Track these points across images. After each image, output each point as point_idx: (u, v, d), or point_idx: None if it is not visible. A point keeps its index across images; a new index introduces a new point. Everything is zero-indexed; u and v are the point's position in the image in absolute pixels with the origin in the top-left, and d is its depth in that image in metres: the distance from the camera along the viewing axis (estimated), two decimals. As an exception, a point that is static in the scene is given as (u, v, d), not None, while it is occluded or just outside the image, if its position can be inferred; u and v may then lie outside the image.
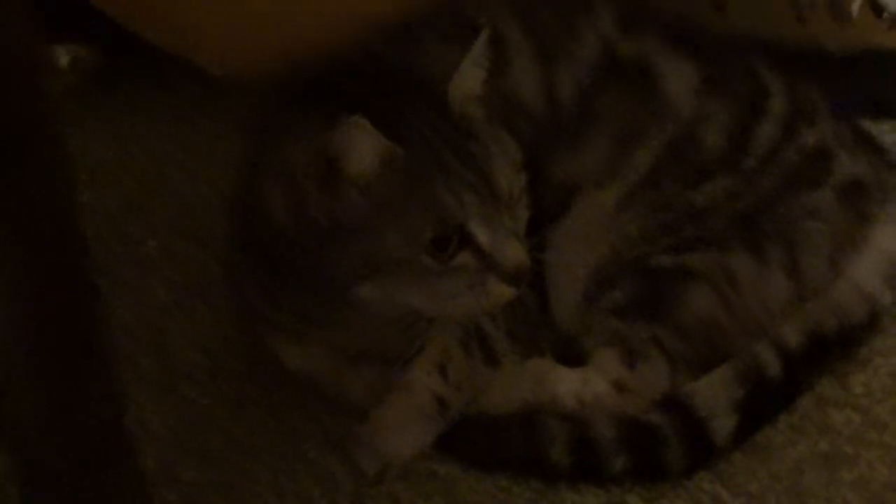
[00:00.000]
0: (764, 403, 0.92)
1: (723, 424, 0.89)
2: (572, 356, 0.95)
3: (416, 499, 0.87)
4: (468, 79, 0.86)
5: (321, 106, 0.85)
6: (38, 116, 0.55)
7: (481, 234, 0.82)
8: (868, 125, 1.13)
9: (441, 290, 0.83)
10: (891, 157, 1.08)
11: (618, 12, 1.04)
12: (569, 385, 0.93)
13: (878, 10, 1.24)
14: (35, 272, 0.56)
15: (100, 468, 0.61)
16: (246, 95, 0.96)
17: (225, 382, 0.97)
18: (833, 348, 0.97)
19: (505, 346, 0.95)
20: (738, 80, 1.03)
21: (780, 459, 0.89)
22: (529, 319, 0.97)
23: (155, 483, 0.77)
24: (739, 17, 1.28)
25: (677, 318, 0.96)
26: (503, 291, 0.83)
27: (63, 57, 1.38)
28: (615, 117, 1.01)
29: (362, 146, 0.79)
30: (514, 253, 0.83)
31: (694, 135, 1.00)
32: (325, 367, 0.94)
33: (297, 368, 0.94)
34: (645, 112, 1.00)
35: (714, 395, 0.90)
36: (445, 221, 0.81)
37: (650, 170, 0.99)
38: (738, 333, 0.96)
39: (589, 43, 1.02)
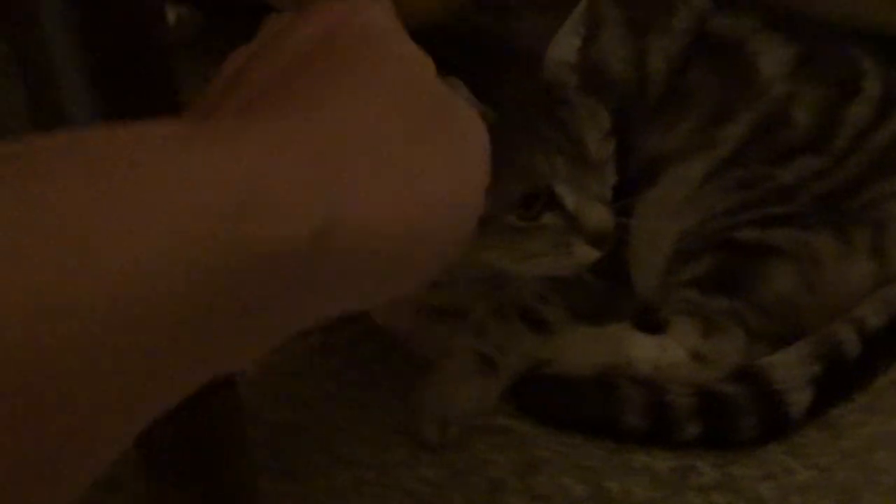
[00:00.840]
0: (840, 381, 0.93)
1: (798, 398, 0.90)
2: (651, 324, 0.97)
3: (491, 451, 0.89)
4: (563, 46, 0.88)
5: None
6: (158, 70, 0.58)
7: (568, 196, 0.84)
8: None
9: (525, 250, 0.85)
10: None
11: None
12: (646, 351, 0.95)
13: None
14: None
15: (203, 399, 0.64)
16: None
17: (311, 333, 1.00)
18: None
19: (559, 315, 0.97)
20: (833, 62, 1.04)
21: (852, 437, 0.90)
22: (592, 290, 1.00)
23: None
24: (834, 2, 1.27)
25: (758, 294, 0.97)
26: (587, 253, 0.85)
27: (169, 14, 1.42)
28: (706, 92, 1.02)
29: None
30: (599, 216, 0.85)
31: (784, 113, 1.01)
32: (408, 322, 0.97)
33: (383, 321, 0.97)
34: (736, 89, 1.02)
35: (791, 369, 0.91)
36: (534, 182, 0.84)
37: (738, 146, 1.00)
38: (817, 313, 0.97)
39: (682, 15, 1.04)
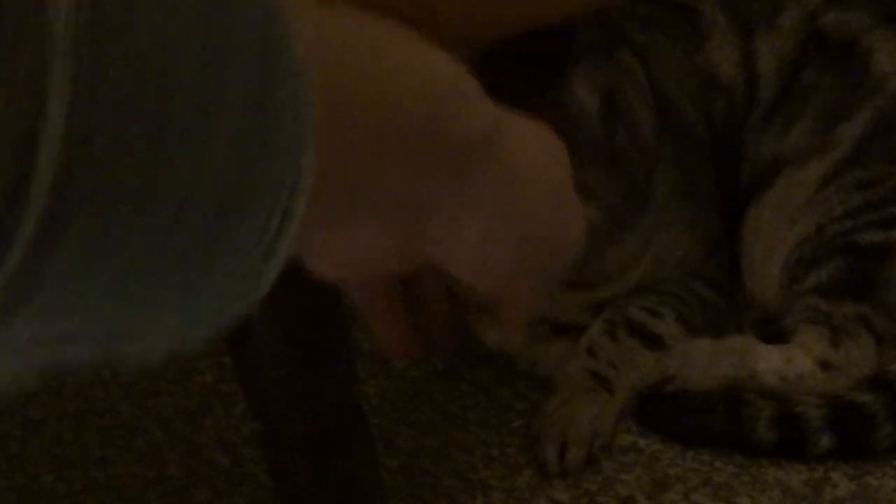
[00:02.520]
0: None
1: None
2: (773, 334, 0.96)
3: (619, 471, 0.90)
4: None
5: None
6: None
7: None
8: None
9: None
10: None
11: None
12: (771, 362, 0.93)
13: None
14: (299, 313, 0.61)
15: (339, 434, 0.66)
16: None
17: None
18: None
19: (672, 330, 0.96)
20: None
21: None
22: (705, 302, 0.99)
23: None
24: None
25: (886, 297, 0.95)
26: None
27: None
28: (819, 93, 1.00)
29: None
30: None
31: None
32: (520, 343, 0.98)
33: (494, 345, 0.98)
34: (850, 88, 1.00)
35: None
36: None
37: (856, 146, 0.98)
38: None
39: (790, 14, 1.02)
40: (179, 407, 0.95)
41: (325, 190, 0.30)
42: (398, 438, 0.93)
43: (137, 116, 0.24)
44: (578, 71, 0.89)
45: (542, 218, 0.43)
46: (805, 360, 0.93)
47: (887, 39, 1.01)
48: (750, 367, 0.93)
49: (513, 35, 0.66)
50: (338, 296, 0.65)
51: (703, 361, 0.94)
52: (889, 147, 0.98)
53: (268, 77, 0.27)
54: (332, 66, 0.32)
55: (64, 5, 0.22)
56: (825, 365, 0.93)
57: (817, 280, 0.96)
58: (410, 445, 0.92)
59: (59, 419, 0.95)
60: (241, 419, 0.92)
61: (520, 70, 0.85)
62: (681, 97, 1.00)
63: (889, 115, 0.99)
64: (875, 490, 0.85)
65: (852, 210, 0.97)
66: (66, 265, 0.24)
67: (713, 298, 0.99)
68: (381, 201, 0.38)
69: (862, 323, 0.94)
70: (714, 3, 1.03)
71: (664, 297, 0.97)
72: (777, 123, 1.01)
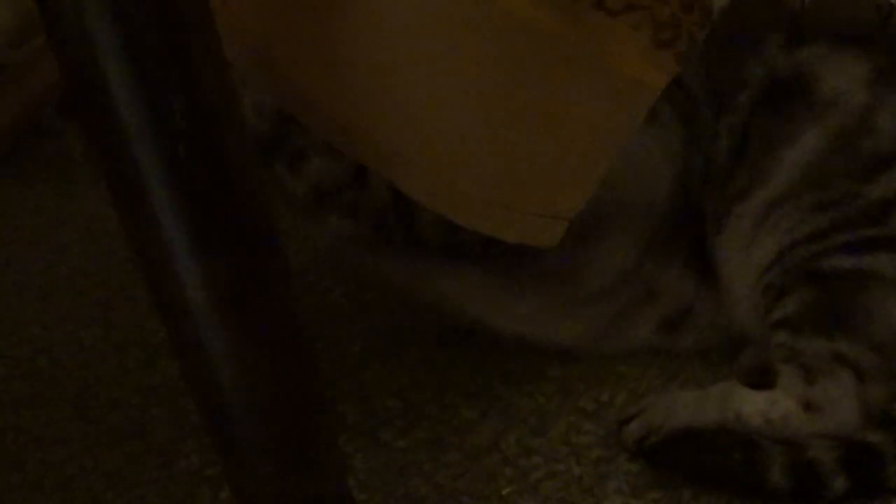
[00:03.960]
0: None
1: None
2: (764, 379, 0.94)
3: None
4: None
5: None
6: (248, 194, 0.59)
7: None
8: None
9: None
10: None
11: (787, 31, 1.03)
12: (755, 405, 0.91)
13: None
14: (261, 345, 0.60)
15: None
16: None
17: (420, 426, 1.00)
18: None
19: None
20: None
21: None
22: None
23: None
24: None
25: (867, 330, 0.92)
26: None
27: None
28: (763, 130, 0.99)
29: None
30: None
31: (865, 123, 0.96)
32: None
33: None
34: (794, 114, 0.98)
35: None
36: None
37: (808, 167, 0.96)
38: None
39: (752, 80, 1.02)
40: (166, 494, 0.94)
41: None
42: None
43: None
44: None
45: None
46: (788, 402, 0.91)
47: (841, 60, 0.99)
48: (734, 411, 0.91)
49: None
50: (323, 383, 0.65)
51: (688, 410, 0.93)
52: (850, 164, 0.95)
53: None
54: None
55: None
56: (807, 405, 0.91)
57: (783, 313, 0.94)
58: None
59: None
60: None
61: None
62: None
63: (847, 131, 0.96)
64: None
65: (816, 233, 0.94)
66: None
67: None
68: None
69: (837, 361, 0.91)
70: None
71: None
72: (727, 179, 1.01)
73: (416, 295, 1.04)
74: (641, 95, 0.77)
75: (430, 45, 0.69)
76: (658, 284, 1.04)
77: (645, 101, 0.78)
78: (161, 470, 0.96)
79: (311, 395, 0.62)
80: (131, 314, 1.21)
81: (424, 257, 0.97)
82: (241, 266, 0.54)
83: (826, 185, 0.95)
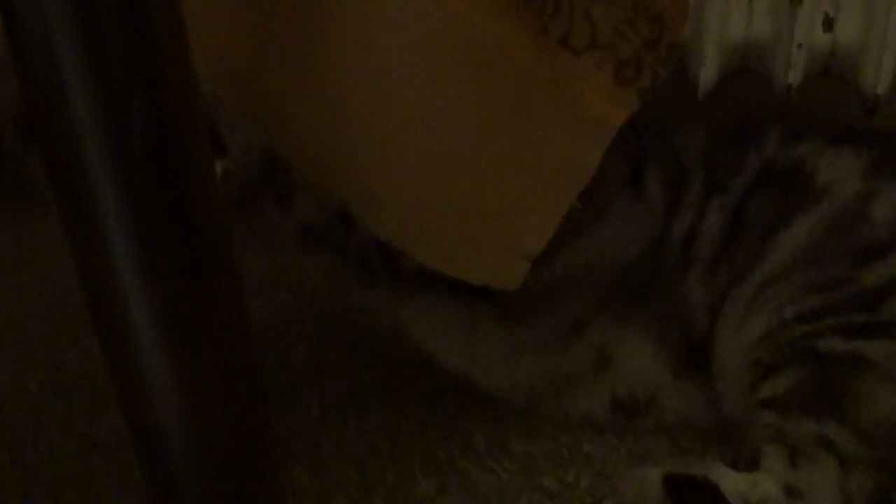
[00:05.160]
0: None
1: None
2: (745, 462, 0.90)
3: None
4: None
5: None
6: (206, 220, 0.56)
7: None
8: None
9: None
10: None
11: (784, 130, 1.05)
12: (735, 484, 0.87)
13: None
14: (209, 384, 0.56)
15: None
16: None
17: (375, 496, 0.96)
18: None
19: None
20: None
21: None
22: None
23: None
24: (890, 119, 1.26)
25: (854, 417, 0.88)
26: None
27: (217, 167, 1.42)
28: (759, 213, 1.00)
29: None
30: None
31: (859, 211, 0.97)
32: None
33: None
34: (791, 202, 0.99)
35: None
36: None
37: (801, 250, 0.96)
38: None
39: (748, 167, 1.02)
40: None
41: None
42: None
43: None
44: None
45: None
46: (770, 485, 0.87)
47: (835, 154, 1.01)
48: None
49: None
50: (271, 426, 0.61)
51: (661, 489, 0.89)
52: (845, 249, 0.95)
53: None
54: None
55: None
56: (789, 490, 0.87)
57: (773, 391, 0.91)
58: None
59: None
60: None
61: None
62: None
63: (841, 218, 0.96)
64: None
65: (808, 313, 0.93)
66: None
67: None
68: None
69: (823, 444, 0.88)
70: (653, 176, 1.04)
71: None
72: (723, 266, 1.00)
73: (401, 328, 1.03)
74: (603, 132, 0.77)
75: (405, 87, 0.70)
76: (612, 350, 1.01)
77: (606, 138, 0.78)
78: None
79: (259, 438, 0.58)
80: (81, 361, 1.16)
81: (405, 292, 0.97)
82: (192, 294, 0.50)
83: (820, 266, 0.95)
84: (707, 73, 1.10)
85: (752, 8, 1.11)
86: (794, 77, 1.10)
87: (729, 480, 0.87)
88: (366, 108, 0.70)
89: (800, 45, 1.09)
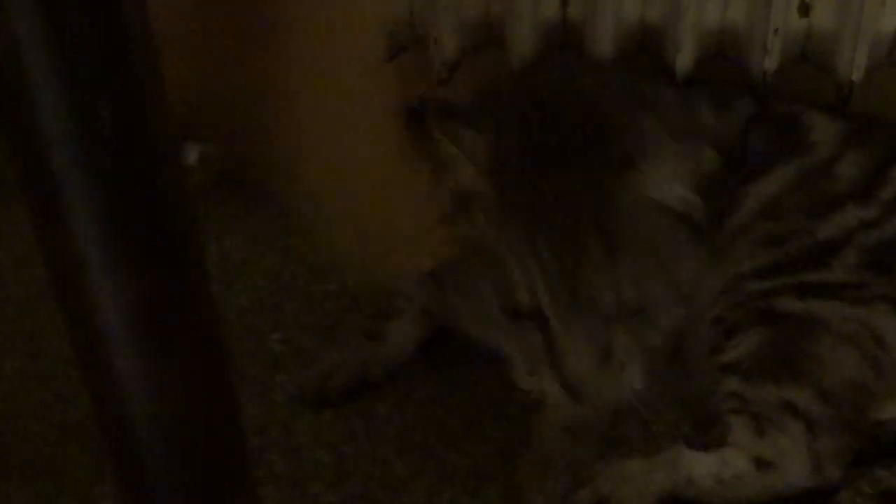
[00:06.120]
0: None
1: None
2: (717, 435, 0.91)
3: None
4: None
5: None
6: (174, 213, 0.55)
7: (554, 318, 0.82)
8: None
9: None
10: None
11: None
12: (706, 466, 0.88)
13: None
14: (175, 359, 0.56)
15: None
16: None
17: (350, 481, 0.96)
18: None
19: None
20: (883, 132, 1.03)
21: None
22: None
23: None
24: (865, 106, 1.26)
25: (817, 380, 0.89)
26: (556, 394, 0.84)
27: (192, 154, 1.42)
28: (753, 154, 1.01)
29: None
30: (577, 361, 0.83)
31: (828, 168, 0.98)
32: None
33: None
34: (783, 148, 1.00)
35: None
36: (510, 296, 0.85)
37: (770, 200, 0.97)
38: (892, 394, 0.90)
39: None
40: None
41: None
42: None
43: None
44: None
45: None
46: (739, 460, 0.88)
47: (825, 117, 1.04)
48: (684, 476, 0.89)
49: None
50: (241, 419, 0.61)
51: (637, 480, 0.90)
52: (806, 201, 0.96)
53: None
54: None
55: None
56: (759, 461, 0.88)
57: (735, 355, 0.91)
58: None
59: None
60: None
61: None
62: None
63: (814, 173, 0.98)
64: None
65: (764, 268, 0.93)
66: None
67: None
68: None
69: (787, 410, 0.88)
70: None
71: None
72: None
73: None
74: None
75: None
76: None
77: None
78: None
79: (228, 428, 0.58)
80: (59, 346, 1.15)
81: None
82: (160, 287, 0.50)
83: (779, 217, 0.95)
84: (683, 59, 1.10)
85: (727, -7, 1.11)
86: (770, 63, 1.10)
87: (700, 466, 0.88)
88: None
89: (776, 31, 1.09)
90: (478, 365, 1.05)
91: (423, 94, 1.10)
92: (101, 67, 0.47)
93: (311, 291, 1.20)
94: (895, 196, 0.97)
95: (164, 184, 0.50)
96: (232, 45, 1.31)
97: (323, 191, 1.24)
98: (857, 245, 0.93)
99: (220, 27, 1.31)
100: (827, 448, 0.87)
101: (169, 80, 0.52)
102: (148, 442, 0.54)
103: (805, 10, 1.11)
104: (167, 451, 0.55)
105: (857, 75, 1.11)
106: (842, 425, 0.88)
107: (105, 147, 0.47)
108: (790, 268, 0.93)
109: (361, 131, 1.21)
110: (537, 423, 0.96)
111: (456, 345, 1.04)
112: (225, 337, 0.59)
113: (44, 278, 1.33)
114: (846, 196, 0.96)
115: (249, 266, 1.24)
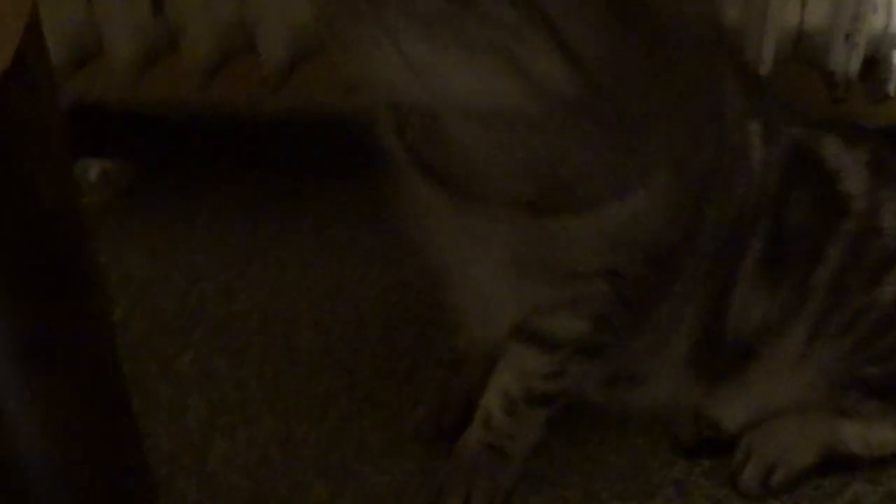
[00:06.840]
0: None
1: None
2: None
3: None
4: None
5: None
6: (66, 230, 0.52)
7: None
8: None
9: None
10: None
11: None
12: (853, 428, 0.95)
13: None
14: (68, 396, 0.52)
15: None
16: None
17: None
18: None
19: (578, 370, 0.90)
20: None
21: None
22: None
23: None
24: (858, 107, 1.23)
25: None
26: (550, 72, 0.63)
27: (92, 171, 1.37)
28: (796, 233, 0.89)
29: None
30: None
31: (871, 226, 0.89)
32: None
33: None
34: (822, 210, 0.89)
35: None
36: None
37: (831, 282, 0.89)
38: None
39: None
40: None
41: None
42: None
43: None
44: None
45: None
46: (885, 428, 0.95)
47: (844, 151, 0.91)
48: (837, 434, 0.95)
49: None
50: (143, 452, 0.57)
51: (796, 438, 0.95)
52: (862, 268, 0.89)
53: None
54: None
55: None
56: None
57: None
58: None
59: None
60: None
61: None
62: None
63: (863, 239, 0.89)
64: None
65: (835, 374, 0.93)
66: None
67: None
68: None
69: None
70: None
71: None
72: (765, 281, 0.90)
73: None
74: None
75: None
76: None
77: None
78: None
79: (131, 464, 0.54)
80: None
81: None
82: (49, 323, 0.46)
83: (845, 300, 0.90)
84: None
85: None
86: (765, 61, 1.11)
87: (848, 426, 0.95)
88: None
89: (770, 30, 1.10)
90: (398, 377, 1.03)
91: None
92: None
93: (222, 311, 1.16)
94: None
95: (51, 203, 0.46)
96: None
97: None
98: None
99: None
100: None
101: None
102: (41, 485, 0.50)
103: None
104: (62, 494, 0.51)
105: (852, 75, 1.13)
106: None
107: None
108: (863, 346, 0.92)
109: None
110: (462, 439, 0.94)
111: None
112: (125, 365, 0.56)
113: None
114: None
115: (154, 286, 1.20)
